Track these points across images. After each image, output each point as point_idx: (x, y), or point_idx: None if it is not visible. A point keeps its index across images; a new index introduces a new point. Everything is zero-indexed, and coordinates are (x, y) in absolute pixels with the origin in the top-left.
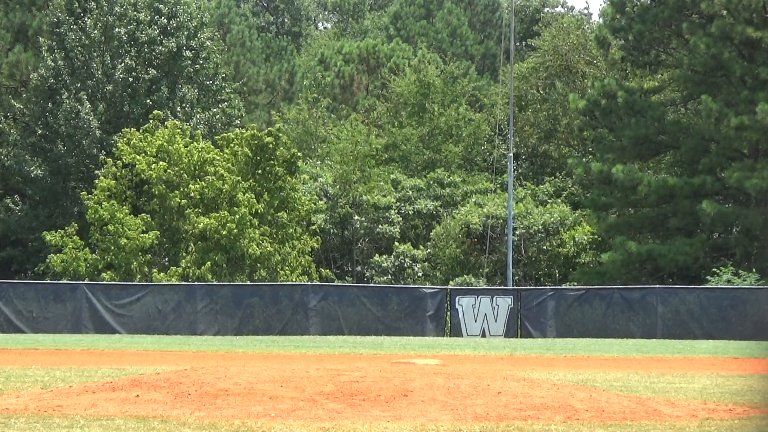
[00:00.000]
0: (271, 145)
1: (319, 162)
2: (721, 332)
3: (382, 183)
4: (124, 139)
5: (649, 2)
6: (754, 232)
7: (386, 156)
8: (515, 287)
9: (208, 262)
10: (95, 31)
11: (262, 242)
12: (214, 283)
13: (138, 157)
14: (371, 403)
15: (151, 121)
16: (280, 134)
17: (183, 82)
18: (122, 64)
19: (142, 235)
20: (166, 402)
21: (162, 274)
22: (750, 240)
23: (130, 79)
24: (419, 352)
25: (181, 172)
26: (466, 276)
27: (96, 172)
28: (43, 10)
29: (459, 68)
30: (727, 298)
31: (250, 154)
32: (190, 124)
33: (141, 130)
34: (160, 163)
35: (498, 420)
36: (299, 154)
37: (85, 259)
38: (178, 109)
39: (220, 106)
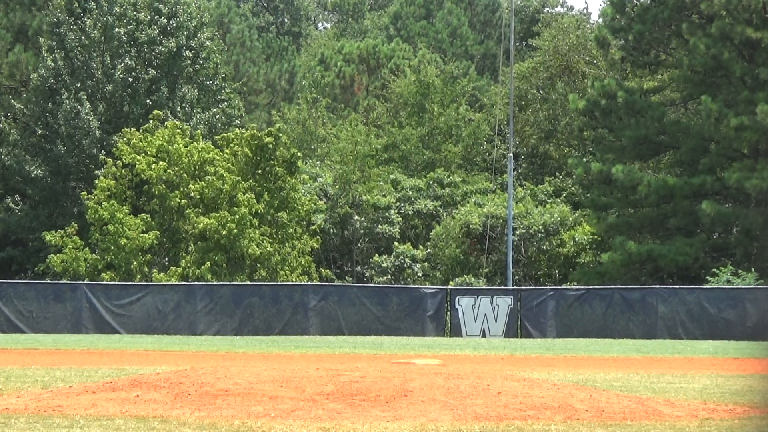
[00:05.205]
0: (271, 145)
1: (318, 162)
2: (721, 332)
3: (381, 183)
4: (124, 139)
5: (649, 2)
6: (754, 232)
7: (386, 156)
8: (515, 287)
9: (208, 262)
10: (95, 31)
11: (262, 242)
12: (214, 283)
13: (138, 157)
14: (371, 403)
15: (151, 121)
16: (280, 134)
17: (183, 82)
18: (122, 64)
19: (142, 235)
20: (166, 402)
21: (162, 274)
22: (750, 240)
23: (130, 79)
24: (419, 352)
25: (181, 172)
26: (465, 276)
27: (96, 172)
28: (43, 10)
29: (459, 68)
30: (727, 298)
31: (250, 154)
32: (190, 124)
33: (141, 130)
34: (160, 163)
35: (498, 420)
36: (299, 154)
37: (85, 259)
38: (178, 109)
39: (220, 106)
